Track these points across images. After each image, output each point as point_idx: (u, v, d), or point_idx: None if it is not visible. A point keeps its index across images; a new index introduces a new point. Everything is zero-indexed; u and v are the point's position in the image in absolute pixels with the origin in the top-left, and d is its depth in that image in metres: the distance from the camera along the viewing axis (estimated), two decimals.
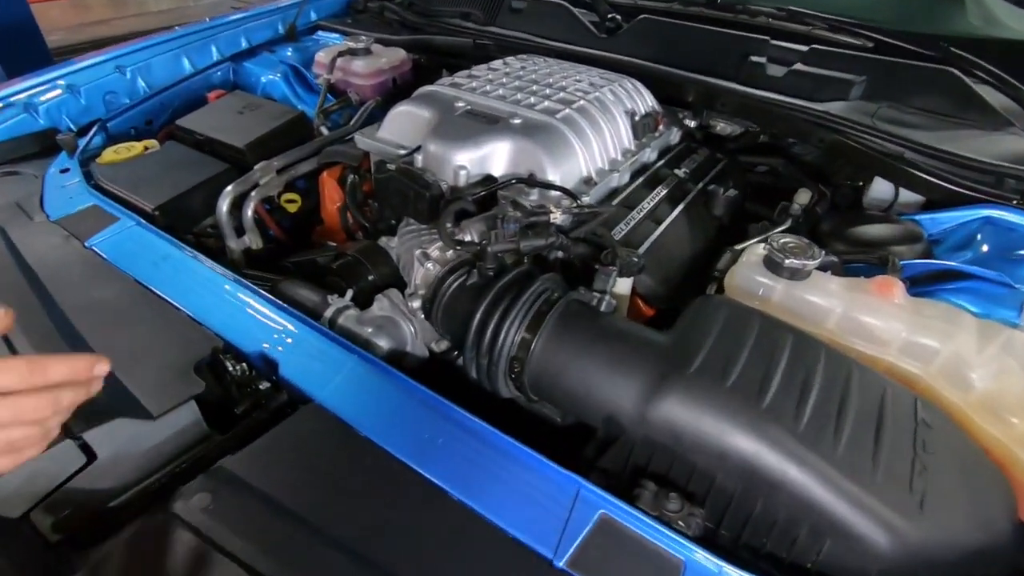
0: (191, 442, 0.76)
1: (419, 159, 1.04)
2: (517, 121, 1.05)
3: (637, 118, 1.19)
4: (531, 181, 0.97)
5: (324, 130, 1.47)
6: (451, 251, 0.92)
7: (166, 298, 0.93)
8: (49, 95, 1.37)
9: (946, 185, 1.09)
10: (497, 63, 1.34)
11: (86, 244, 1.04)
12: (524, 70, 1.28)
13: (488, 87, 1.17)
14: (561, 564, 0.60)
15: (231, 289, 0.94)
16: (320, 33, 1.86)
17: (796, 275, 0.88)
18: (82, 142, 1.31)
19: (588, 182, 1.04)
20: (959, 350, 0.78)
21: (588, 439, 0.85)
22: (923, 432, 0.68)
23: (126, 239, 1.05)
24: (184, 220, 1.19)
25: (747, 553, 0.67)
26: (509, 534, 0.63)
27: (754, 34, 1.38)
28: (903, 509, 0.60)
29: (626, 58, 1.46)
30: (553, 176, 1.00)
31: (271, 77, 1.64)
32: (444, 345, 0.99)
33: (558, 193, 0.97)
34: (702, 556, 0.60)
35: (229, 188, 1.21)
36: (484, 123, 1.05)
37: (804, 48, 1.33)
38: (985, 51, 1.29)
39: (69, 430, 0.68)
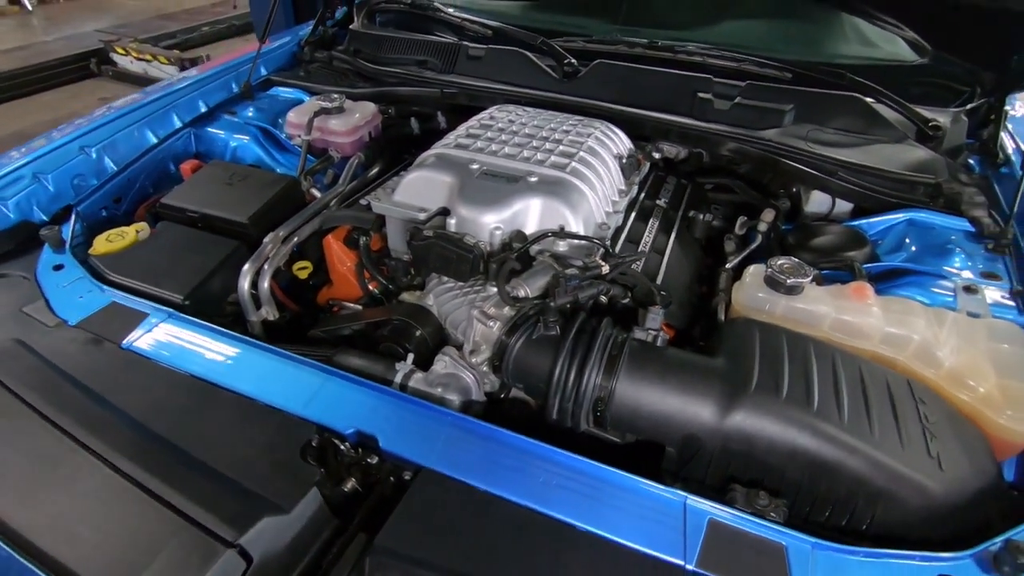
0: (320, 527, 0.80)
1: (452, 223, 1.13)
2: (534, 179, 1.16)
3: (624, 160, 1.34)
4: (562, 234, 1.09)
5: (315, 192, 1.49)
6: (507, 307, 1.02)
7: (234, 389, 0.94)
8: (15, 187, 1.29)
9: (876, 196, 1.34)
10: (484, 117, 1.44)
11: (123, 345, 1.02)
12: (513, 124, 1.39)
13: (493, 146, 1.27)
14: (693, 567, 0.73)
15: (302, 372, 0.97)
16: (275, 88, 1.85)
17: (794, 291, 1.07)
18: (66, 233, 1.25)
19: (602, 226, 1.18)
20: (926, 336, 1.00)
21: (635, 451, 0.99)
22: (922, 407, 0.89)
23: (163, 335, 1.04)
24: (208, 304, 1.18)
25: (816, 527, 0.84)
26: (642, 551, 0.75)
27: (698, 73, 1.59)
28: (929, 472, 0.80)
29: (587, 100, 1.61)
30: (576, 226, 1.12)
31: (241, 140, 1.62)
32: (491, 387, 1.08)
33: (585, 242, 1.10)
34: (797, 538, 0.75)
35: (247, 267, 1.22)
36: (505, 183, 1.16)
37: (742, 84, 1.55)
38: (873, 74, 1.58)
39: (223, 539, 0.71)
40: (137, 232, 1.29)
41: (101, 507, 0.75)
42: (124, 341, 1.02)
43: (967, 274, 1.16)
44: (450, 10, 1.96)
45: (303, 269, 1.36)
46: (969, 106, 1.59)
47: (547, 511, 0.79)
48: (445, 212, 1.19)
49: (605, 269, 1.00)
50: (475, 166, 1.21)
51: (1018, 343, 1.02)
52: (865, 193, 1.35)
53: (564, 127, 1.38)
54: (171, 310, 1.08)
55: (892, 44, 1.89)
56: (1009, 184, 1.39)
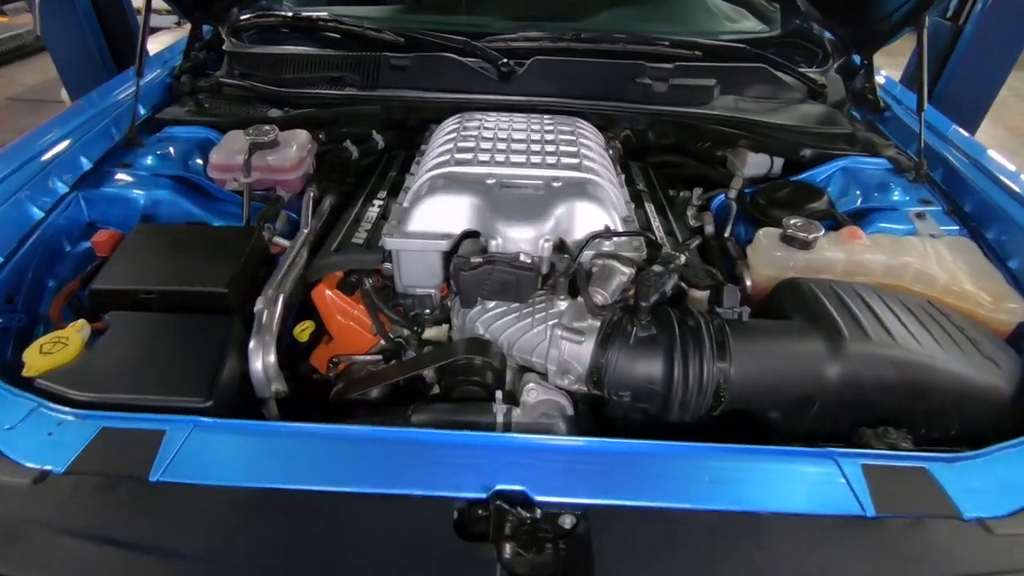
0: None
1: (495, 244, 1.05)
2: (558, 184, 1.12)
3: (610, 152, 1.36)
4: (610, 233, 1.07)
5: (280, 240, 1.29)
6: (589, 319, 0.99)
7: (333, 491, 0.79)
8: None
9: (815, 150, 1.52)
10: (459, 128, 1.34)
11: (152, 480, 0.79)
12: (493, 131, 1.33)
13: (497, 156, 1.20)
14: (874, 513, 0.78)
15: (398, 448, 0.85)
16: (166, 129, 1.54)
17: (808, 245, 1.18)
18: None
19: (628, 219, 1.18)
20: (918, 262, 1.18)
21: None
22: (951, 319, 1.04)
23: (198, 451, 0.83)
24: (223, 398, 0.97)
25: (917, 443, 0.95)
26: (825, 514, 0.79)
27: (628, 60, 1.65)
28: (993, 371, 0.94)
29: (535, 98, 1.60)
30: (614, 222, 1.11)
31: (158, 195, 1.32)
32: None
33: (626, 238, 1.10)
34: (931, 457, 0.84)
35: (253, 343, 1.02)
36: (532, 192, 1.11)
37: (670, 66, 1.65)
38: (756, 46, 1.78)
39: None
40: (79, 332, 1.00)
41: None
42: (151, 474, 0.79)
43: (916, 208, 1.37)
44: (347, 19, 1.79)
45: (305, 330, 1.17)
46: (836, 64, 1.87)
47: (723, 507, 0.79)
48: (472, 235, 1.11)
49: (682, 259, 1.01)
50: (491, 180, 1.13)
51: (974, 252, 1.24)
52: (806, 148, 1.53)
53: (545, 127, 1.35)
54: (194, 418, 0.86)
55: (747, 19, 2.15)
56: (896, 125, 1.67)
